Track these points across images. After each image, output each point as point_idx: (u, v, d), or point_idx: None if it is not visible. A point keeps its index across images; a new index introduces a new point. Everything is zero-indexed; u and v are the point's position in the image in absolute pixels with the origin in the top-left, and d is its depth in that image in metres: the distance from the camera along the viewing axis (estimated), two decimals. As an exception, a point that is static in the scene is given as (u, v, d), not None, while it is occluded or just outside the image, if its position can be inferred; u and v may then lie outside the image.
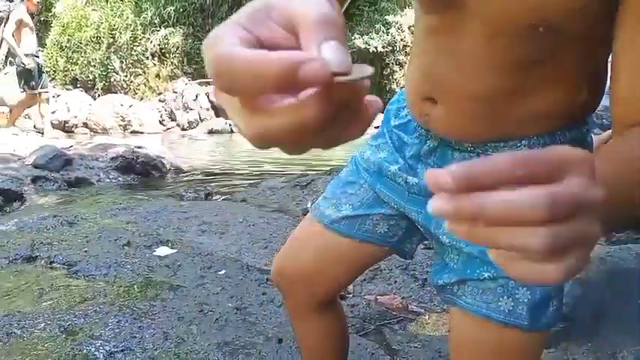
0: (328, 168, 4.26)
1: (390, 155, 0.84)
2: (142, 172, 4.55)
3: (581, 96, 0.68)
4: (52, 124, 9.19)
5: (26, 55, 6.52)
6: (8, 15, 11.62)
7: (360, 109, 0.29)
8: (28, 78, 6.61)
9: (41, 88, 6.88)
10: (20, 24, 6.53)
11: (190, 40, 12.05)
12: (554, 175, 0.29)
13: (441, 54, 0.68)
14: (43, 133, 7.40)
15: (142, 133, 9.61)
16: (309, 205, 3.31)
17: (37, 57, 6.76)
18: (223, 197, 3.70)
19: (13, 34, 6.49)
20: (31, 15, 6.62)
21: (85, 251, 2.36)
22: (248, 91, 0.28)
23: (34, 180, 3.91)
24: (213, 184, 4.40)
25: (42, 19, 11.76)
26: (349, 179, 0.91)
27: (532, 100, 0.67)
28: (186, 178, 4.78)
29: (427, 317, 1.91)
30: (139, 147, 4.89)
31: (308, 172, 4.12)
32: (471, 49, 0.64)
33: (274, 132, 0.28)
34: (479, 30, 0.62)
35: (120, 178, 4.39)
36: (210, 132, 10.03)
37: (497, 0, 0.57)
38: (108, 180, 4.29)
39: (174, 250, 2.42)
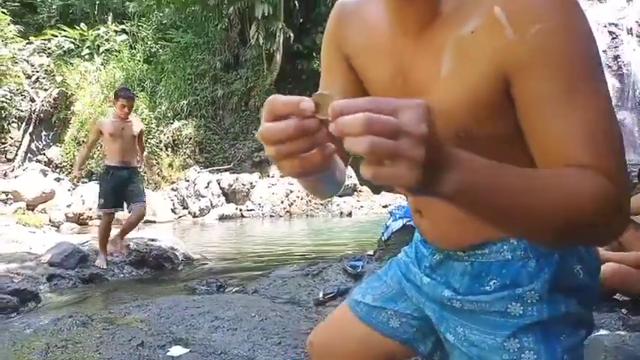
0: (339, 255, 4.29)
1: (414, 264, 0.96)
2: (155, 265, 4.61)
3: None
4: (66, 216, 9.41)
5: (108, 168, 4.75)
6: (30, 115, 12.34)
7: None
8: (103, 193, 4.70)
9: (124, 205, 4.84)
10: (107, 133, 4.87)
11: (202, 131, 12.58)
12: (392, 112, 0.47)
13: None
14: (58, 228, 7.51)
15: (154, 222, 9.76)
16: (320, 295, 3.32)
17: (125, 169, 4.71)
18: (235, 289, 3.72)
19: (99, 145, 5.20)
20: (121, 117, 4.74)
21: (100, 354, 2.37)
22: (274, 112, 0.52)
23: (50, 278, 3.97)
24: (225, 274, 4.43)
25: (61, 116, 12.42)
26: (379, 274, 1.04)
27: None
28: (198, 269, 4.82)
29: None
30: (152, 239, 4.98)
31: (318, 260, 4.15)
32: None
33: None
34: None
35: (133, 273, 4.44)
36: (222, 218, 10.17)
37: None
38: (122, 275, 4.34)
39: (188, 350, 2.41)
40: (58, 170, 11.79)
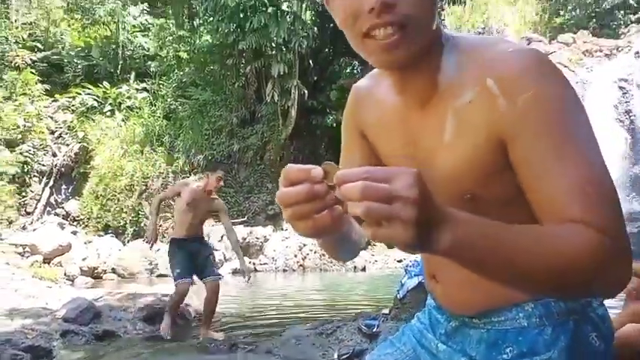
0: (354, 313, 4.22)
1: (428, 331, 0.97)
2: (168, 322, 4.56)
3: None
4: (81, 270, 9.45)
5: (172, 240, 4.54)
6: (51, 169, 12.67)
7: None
8: (177, 263, 4.35)
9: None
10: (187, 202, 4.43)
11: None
12: (386, 179, 0.54)
13: None
14: (73, 282, 7.51)
15: (167, 276, 9.74)
16: (335, 356, 3.25)
17: (193, 240, 4.45)
18: (248, 348, 3.66)
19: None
20: (208, 193, 4.45)
21: (111, 418, 2.34)
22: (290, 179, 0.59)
23: (63, 334, 3.97)
24: (238, 332, 4.37)
25: (81, 170, 12.74)
26: (392, 341, 1.03)
27: None
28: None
29: None
30: (165, 295, 4.97)
31: (333, 319, 4.09)
32: None
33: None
34: None
35: (146, 329, 4.41)
36: (235, 271, 10.11)
37: (440, 185, 0.74)
38: (135, 332, 4.31)
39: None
40: (75, 223, 11.95)
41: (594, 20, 17.78)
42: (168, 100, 14.16)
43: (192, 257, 4.34)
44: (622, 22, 17.75)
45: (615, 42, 16.12)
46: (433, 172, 0.77)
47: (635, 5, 17.70)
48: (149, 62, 14.94)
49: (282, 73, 12.31)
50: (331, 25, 15.80)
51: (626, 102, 13.94)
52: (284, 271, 10.74)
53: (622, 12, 17.92)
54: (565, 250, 0.61)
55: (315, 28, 12.78)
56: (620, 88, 14.12)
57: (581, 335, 0.79)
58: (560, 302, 0.80)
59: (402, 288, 3.82)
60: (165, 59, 14.92)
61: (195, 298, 5.50)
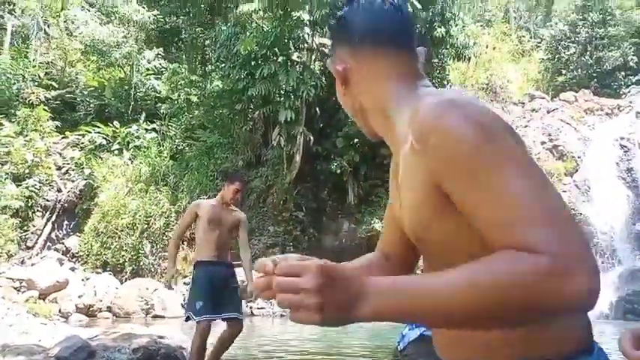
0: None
1: None
2: (162, 365, 4.47)
3: None
4: (76, 307, 9.32)
5: (196, 263, 4.04)
6: (55, 204, 12.72)
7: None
8: (200, 294, 3.84)
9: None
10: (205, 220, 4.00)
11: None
12: (297, 274, 0.66)
13: None
14: (68, 319, 7.37)
15: (163, 317, 9.58)
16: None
17: (222, 264, 4.03)
18: (243, 396, 3.57)
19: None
20: (226, 204, 4.00)
21: None
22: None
23: (55, 374, 3.88)
24: (233, 378, 4.26)
25: (84, 207, 12.79)
26: None
27: None
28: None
29: None
30: (162, 337, 4.89)
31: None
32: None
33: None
34: None
35: (139, 372, 4.30)
36: (186, 319, 9.93)
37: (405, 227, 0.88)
38: (127, 374, 4.22)
39: None
40: (74, 259, 11.88)
41: (595, 80, 18.21)
42: (176, 141, 14.39)
43: (216, 287, 3.73)
44: (622, 83, 18.17)
45: (616, 101, 16.46)
46: (403, 217, 0.88)
47: (635, 67, 18.18)
48: (160, 104, 15.29)
49: (289, 120, 12.56)
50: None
51: (628, 160, 14.07)
52: (281, 316, 10.55)
53: (622, 73, 18.38)
54: (499, 279, 0.63)
55: (323, 78, 13.15)
56: (622, 146, 14.29)
57: None
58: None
59: (402, 339, 3.74)
60: (175, 102, 15.27)
61: (190, 340, 5.40)
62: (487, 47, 19.38)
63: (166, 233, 12.15)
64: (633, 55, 18.15)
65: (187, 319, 3.90)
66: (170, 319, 9.39)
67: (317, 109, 13.62)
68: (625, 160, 14.10)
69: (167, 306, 9.89)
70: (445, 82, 15.49)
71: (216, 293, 3.75)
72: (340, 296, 0.66)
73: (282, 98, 12.77)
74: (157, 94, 15.66)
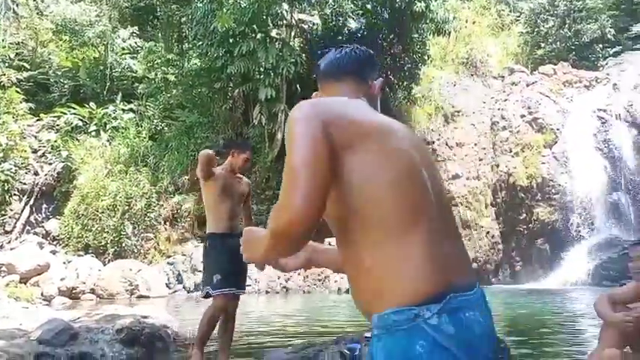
0: (336, 337, 4.19)
1: None
2: (146, 344, 4.48)
3: (368, 273, 1.01)
4: (59, 290, 9.25)
5: (210, 236, 3.76)
6: (32, 188, 12.49)
7: None
8: (218, 268, 3.60)
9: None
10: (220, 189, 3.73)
11: (202, 205, 12.62)
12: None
13: None
14: (50, 302, 7.31)
15: (147, 297, 9.58)
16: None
17: (236, 236, 3.11)
18: (228, 371, 3.60)
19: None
20: (234, 172, 3.80)
21: None
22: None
23: (38, 357, 3.85)
24: (217, 354, 4.29)
25: (63, 190, 12.58)
26: None
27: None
28: (190, 349, 4.67)
29: None
30: (145, 317, 4.88)
31: (315, 342, 4.05)
32: None
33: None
34: None
35: (123, 352, 4.30)
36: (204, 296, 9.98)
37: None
38: (111, 354, 4.21)
39: None
40: (54, 243, 11.74)
41: (574, 53, 18.34)
42: (155, 121, 14.16)
43: (233, 260, 3.22)
44: (600, 56, 18.34)
45: (594, 74, 16.64)
46: None
47: (613, 39, 18.34)
48: (136, 84, 14.98)
49: (269, 97, 12.43)
50: (319, 52, 16.06)
51: (605, 131, 14.31)
52: (267, 292, 10.64)
53: (600, 45, 18.53)
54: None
55: (303, 55, 12.98)
56: (599, 118, 14.51)
57: (405, 344, 0.94)
58: (391, 315, 0.96)
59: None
60: (153, 81, 14.98)
61: (175, 320, 5.42)
62: (467, 21, 19.31)
63: (148, 214, 12.05)
64: (611, 28, 18.28)
65: (207, 295, 3.64)
66: (155, 299, 9.39)
67: (298, 86, 13.48)
68: (602, 131, 14.34)
69: (151, 286, 9.87)
70: (426, 57, 15.43)
71: (234, 266, 3.50)
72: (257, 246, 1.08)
73: (261, 76, 12.60)
74: (134, 74, 15.33)
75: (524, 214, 14.20)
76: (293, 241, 0.98)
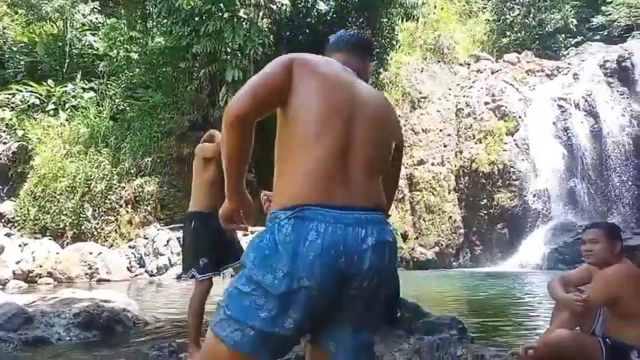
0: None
1: None
2: (105, 328, 4.38)
3: (275, 184, 1.39)
4: (14, 273, 8.95)
5: (197, 215, 3.48)
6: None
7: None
8: (203, 250, 3.41)
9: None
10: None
11: (165, 188, 12.44)
12: None
13: None
14: (4, 286, 7.08)
15: (108, 281, 9.38)
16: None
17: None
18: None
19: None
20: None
21: None
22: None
23: (-11, 341, 3.72)
24: (180, 338, 4.25)
25: (19, 170, 12.10)
26: None
27: None
28: (151, 333, 4.61)
29: None
30: (105, 301, 4.78)
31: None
32: None
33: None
34: None
35: (81, 335, 4.20)
36: (179, 277, 9.87)
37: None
38: (68, 338, 4.11)
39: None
40: (9, 225, 11.30)
41: (537, 42, 18.77)
42: (117, 100, 13.72)
43: (221, 239, 3.32)
44: (562, 45, 18.84)
45: (556, 63, 17.08)
46: None
47: (575, 30, 18.85)
48: (97, 62, 14.45)
49: (236, 79, 12.21)
50: (287, 33, 15.87)
51: (564, 119, 14.77)
52: (232, 276, 10.56)
53: (563, 35, 19.02)
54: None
55: (272, 36, 12.78)
56: (559, 106, 14.95)
57: (260, 237, 1.26)
58: (270, 216, 1.30)
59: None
60: (115, 59, 14.48)
61: (136, 304, 5.32)
62: (435, 7, 19.43)
63: (108, 196, 11.74)
64: (573, 18, 18.77)
65: (192, 277, 3.47)
66: (116, 283, 9.20)
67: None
68: (562, 119, 14.78)
69: (112, 270, 9.67)
70: (394, 42, 15.46)
71: (221, 248, 3.42)
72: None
73: (228, 56, 12.35)
74: (95, 51, 14.78)
75: (485, 200, 14.57)
76: (240, 123, 1.32)
